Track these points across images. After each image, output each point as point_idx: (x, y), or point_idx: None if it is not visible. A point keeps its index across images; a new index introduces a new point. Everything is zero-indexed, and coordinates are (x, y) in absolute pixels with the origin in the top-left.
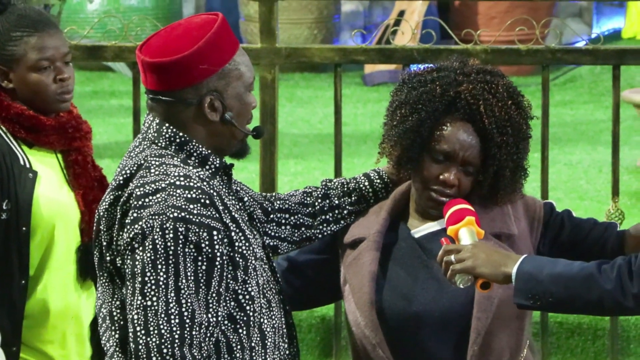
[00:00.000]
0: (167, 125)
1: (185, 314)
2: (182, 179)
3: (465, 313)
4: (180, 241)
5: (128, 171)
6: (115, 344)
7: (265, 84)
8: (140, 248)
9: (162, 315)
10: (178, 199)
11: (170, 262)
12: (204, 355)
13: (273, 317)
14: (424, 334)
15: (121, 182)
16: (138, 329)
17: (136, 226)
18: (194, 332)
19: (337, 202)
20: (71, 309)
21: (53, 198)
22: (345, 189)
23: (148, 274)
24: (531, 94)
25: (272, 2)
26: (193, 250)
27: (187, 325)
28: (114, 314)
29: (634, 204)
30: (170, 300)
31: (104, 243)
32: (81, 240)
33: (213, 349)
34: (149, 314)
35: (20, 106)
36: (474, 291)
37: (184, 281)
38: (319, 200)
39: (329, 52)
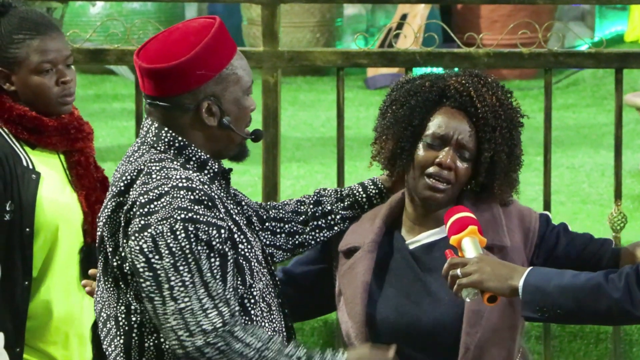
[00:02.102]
0: (166, 129)
1: (220, 305)
2: (184, 181)
3: (456, 327)
4: (192, 240)
5: (128, 177)
6: (119, 349)
7: (268, 88)
8: (157, 257)
9: (199, 313)
10: (183, 200)
11: (190, 261)
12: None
13: (273, 320)
14: (415, 347)
15: (122, 188)
16: (180, 333)
17: (145, 234)
18: (232, 320)
19: (329, 208)
20: (74, 310)
21: (56, 199)
22: (339, 195)
23: (172, 278)
24: (534, 98)
25: (275, 5)
26: (205, 248)
27: (224, 314)
28: (119, 318)
29: (637, 207)
30: (201, 297)
31: (109, 249)
32: (84, 241)
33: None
34: (187, 315)
35: (23, 107)
36: (462, 305)
37: (208, 275)
38: (311, 207)
39: (332, 55)
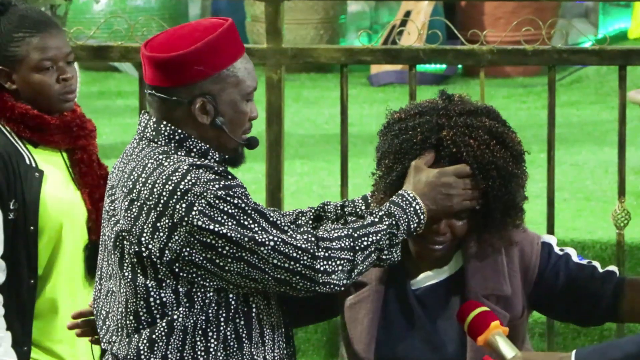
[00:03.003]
0: (164, 123)
1: (295, 228)
2: (197, 160)
3: None
4: (237, 198)
5: (135, 174)
6: (141, 341)
7: (272, 85)
8: (218, 225)
9: (289, 239)
10: (206, 174)
11: (249, 211)
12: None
13: (272, 314)
14: None
15: (131, 186)
16: (287, 264)
17: (194, 213)
18: (313, 230)
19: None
20: (79, 307)
21: (60, 197)
22: (340, 211)
23: (246, 231)
24: (537, 95)
25: (278, 2)
26: (250, 200)
27: (304, 232)
28: (140, 313)
29: None
30: (279, 232)
31: (126, 242)
32: (88, 238)
33: (221, 345)
34: (282, 248)
35: (25, 106)
36: (464, 356)
37: (269, 214)
38: (310, 222)
39: (335, 52)
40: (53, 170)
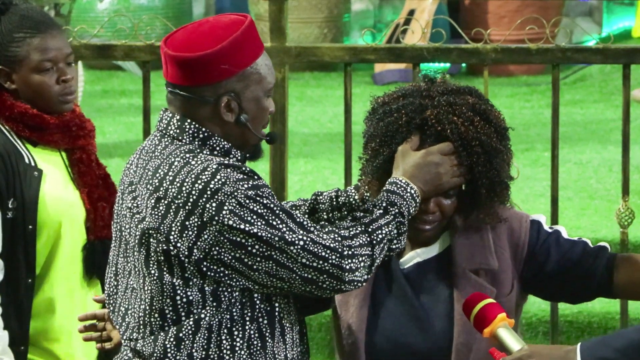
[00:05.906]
0: (189, 121)
1: (320, 229)
2: (224, 160)
3: (448, 356)
4: (265, 199)
5: (161, 172)
6: (167, 339)
7: (275, 83)
8: (248, 225)
9: (317, 239)
10: (235, 173)
11: (277, 211)
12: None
13: (291, 312)
14: None
15: (157, 184)
16: (316, 264)
17: (224, 212)
18: (336, 229)
19: (325, 216)
20: (77, 307)
21: (58, 196)
22: (334, 202)
23: (275, 231)
24: (541, 93)
25: (282, 1)
26: (277, 201)
27: (330, 231)
28: (166, 311)
29: None
30: (305, 233)
31: (152, 240)
32: (87, 238)
33: (246, 344)
34: (311, 247)
35: (24, 105)
36: (452, 335)
37: (297, 214)
38: (305, 215)
39: (339, 51)
40: (52, 169)
